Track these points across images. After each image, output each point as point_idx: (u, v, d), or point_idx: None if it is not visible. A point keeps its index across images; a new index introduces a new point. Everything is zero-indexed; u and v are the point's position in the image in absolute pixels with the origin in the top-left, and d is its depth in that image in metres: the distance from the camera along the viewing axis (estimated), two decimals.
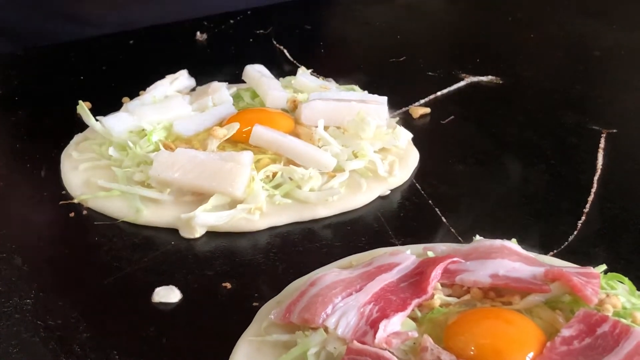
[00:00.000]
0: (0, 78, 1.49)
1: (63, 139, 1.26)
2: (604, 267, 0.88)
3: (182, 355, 0.85)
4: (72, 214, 1.09)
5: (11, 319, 0.90)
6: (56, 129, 1.30)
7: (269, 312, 0.88)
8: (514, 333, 0.78)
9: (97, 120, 1.19)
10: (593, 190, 1.13)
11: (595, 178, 1.16)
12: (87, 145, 1.21)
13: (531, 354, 0.75)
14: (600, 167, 1.19)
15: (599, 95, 1.46)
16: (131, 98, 1.30)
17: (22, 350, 0.85)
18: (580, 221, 1.07)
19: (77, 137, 1.25)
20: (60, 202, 1.11)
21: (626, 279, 0.86)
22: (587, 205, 1.10)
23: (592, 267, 0.86)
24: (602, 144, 1.25)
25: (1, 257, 1.00)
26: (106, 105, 1.35)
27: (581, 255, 0.99)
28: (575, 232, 1.04)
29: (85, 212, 1.09)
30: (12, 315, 0.90)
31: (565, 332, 0.77)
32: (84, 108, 1.20)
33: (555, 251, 1.00)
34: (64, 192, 1.14)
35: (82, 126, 1.28)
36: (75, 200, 1.11)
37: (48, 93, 1.44)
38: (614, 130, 1.28)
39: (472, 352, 0.76)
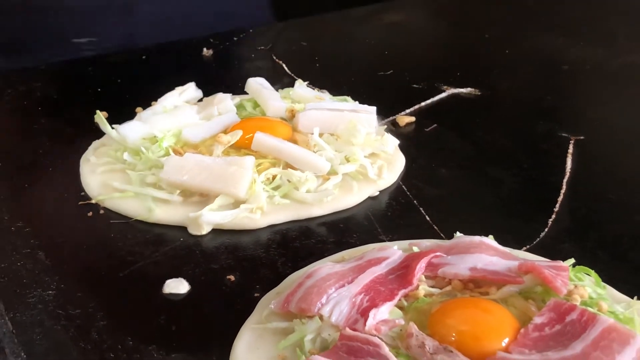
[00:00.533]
0: (24, 90, 1.48)
1: (82, 145, 1.27)
2: (572, 260, 0.89)
3: (190, 341, 0.85)
4: (90, 213, 1.09)
5: (35, 309, 0.90)
6: (75, 136, 1.30)
7: (269, 302, 0.88)
8: (491, 320, 0.78)
9: (113, 128, 1.19)
10: (562, 191, 1.13)
11: (565, 180, 1.16)
12: (104, 151, 1.20)
13: (506, 340, 0.76)
14: (569, 170, 1.19)
15: (567, 105, 1.46)
16: (144, 108, 1.30)
17: (45, 337, 0.85)
18: (551, 219, 1.07)
19: (95, 144, 1.25)
20: (80, 203, 1.11)
21: (592, 272, 0.86)
22: (557, 205, 1.10)
23: (561, 261, 0.86)
24: (570, 150, 1.25)
25: (26, 252, 1.00)
26: (121, 115, 1.36)
27: (551, 250, 0.99)
28: (546, 229, 1.04)
29: (102, 211, 1.09)
30: (36, 306, 0.90)
31: (537, 320, 0.77)
32: (101, 117, 1.20)
33: (528, 246, 1.00)
34: (82, 193, 1.13)
35: (99, 134, 1.28)
36: (93, 201, 1.11)
37: (68, 104, 1.44)
38: (582, 137, 1.28)
39: (453, 338, 0.76)
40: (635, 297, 0.86)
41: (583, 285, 0.83)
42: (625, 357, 0.71)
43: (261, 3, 2.03)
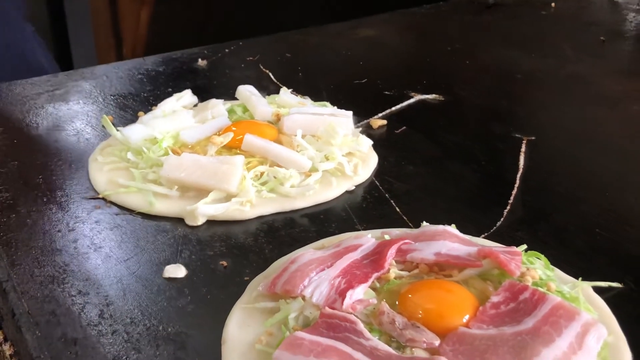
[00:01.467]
0: (44, 98, 1.47)
1: (90, 146, 1.26)
2: (524, 246, 0.89)
3: (187, 319, 0.85)
4: (98, 207, 1.08)
5: (47, 289, 0.89)
6: (84, 138, 1.30)
7: (257, 284, 0.88)
8: (453, 299, 0.79)
9: (117, 130, 1.18)
10: (516, 185, 1.14)
11: (518, 176, 1.17)
12: (110, 151, 1.20)
13: (467, 316, 0.76)
14: (522, 167, 1.20)
15: (520, 110, 1.47)
16: (145, 112, 1.29)
17: (56, 316, 0.85)
18: (506, 210, 1.07)
19: (102, 144, 1.25)
20: (88, 197, 1.11)
21: (542, 256, 0.87)
22: (512, 198, 1.10)
23: (515, 247, 0.87)
24: (523, 149, 1.25)
25: (39, 239, 1.00)
26: (125, 118, 1.35)
27: (506, 237, 0.99)
28: (502, 219, 1.05)
29: (108, 205, 1.09)
30: (47, 286, 0.90)
31: (494, 299, 0.78)
32: (107, 121, 1.19)
33: (486, 234, 1.00)
34: (90, 189, 1.13)
35: (105, 135, 1.27)
36: (100, 196, 1.10)
37: (77, 109, 1.43)
38: (533, 138, 1.29)
39: (420, 315, 0.76)
40: (580, 278, 0.87)
41: (534, 268, 0.83)
42: (571, 331, 0.72)
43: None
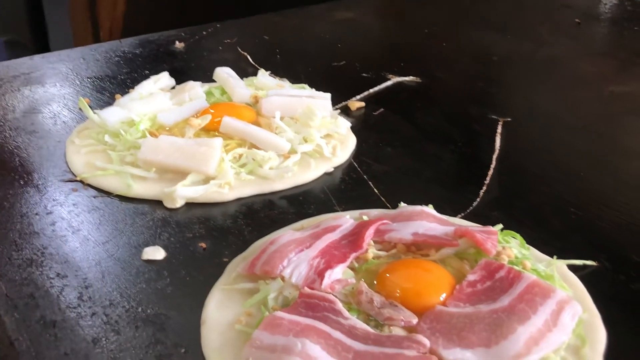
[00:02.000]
0: (20, 81, 1.45)
1: (66, 129, 1.25)
2: (500, 226, 0.90)
3: (166, 301, 0.84)
4: (75, 190, 1.07)
5: (25, 272, 0.89)
6: (60, 121, 1.28)
7: (236, 265, 0.88)
8: (430, 278, 0.79)
9: (94, 113, 1.17)
10: (492, 166, 1.14)
11: (494, 157, 1.17)
12: (87, 134, 1.19)
13: (444, 295, 0.77)
14: (498, 148, 1.20)
15: (496, 91, 1.47)
16: (122, 95, 1.28)
17: (36, 298, 0.84)
18: (482, 190, 1.08)
19: (79, 127, 1.23)
20: (66, 180, 1.10)
21: (518, 235, 0.88)
22: (488, 178, 1.11)
23: (491, 226, 0.88)
24: (499, 130, 1.26)
25: (17, 221, 0.99)
26: (102, 101, 1.34)
27: (483, 217, 1.00)
28: (478, 199, 1.05)
29: (85, 188, 1.08)
30: (26, 269, 0.89)
31: (471, 277, 0.79)
32: (83, 103, 1.18)
33: (462, 214, 1.01)
34: (68, 172, 1.12)
35: (82, 118, 1.26)
36: (78, 178, 1.09)
37: (53, 92, 1.41)
38: (509, 119, 1.30)
39: (398, 294, 0.77)
40: (555, 257, 0.87)
41: (510, 247, 0.84)
42: (546, 308, 0.73)
43: None
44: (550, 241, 0.93)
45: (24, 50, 2.33)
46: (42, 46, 2.45)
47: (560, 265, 0.86)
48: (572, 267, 0.88)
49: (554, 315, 0.72)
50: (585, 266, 0.89)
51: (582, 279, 0.85)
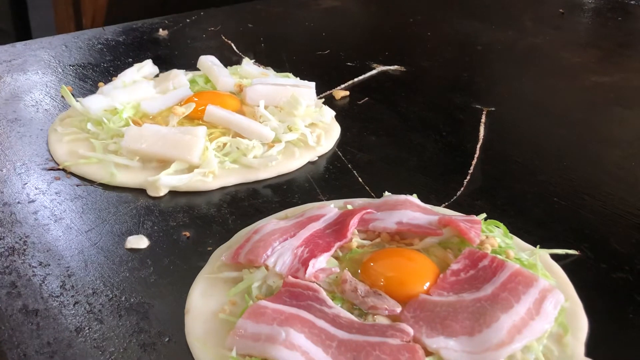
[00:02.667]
0: (1, 69, 1.44)
1: (49, 116, 1.24)
2: (484, 215, 0.90)
3: (150, 290, 0.84)
4: (57, 178, 1.06)
5: (7, 261, 0.88)
6: (42, 109, 1.27)
7: (220, 254, 0.88)
8: (414, 267, 0.79)
9: (77, 101, 1.16)
10: (476, 155, 1.15)
11: (478, 146, 1.18)
12: (69, 122, 1.18)
13: (427, 284, 0.77)
14: (482, 137, 1.20)
15: (481, 81, 1.48)
16: (105, 83, 1.27)
17: (18, 287, 0.83)
18: (466, 180, 1.08)
19: (61, 115, 1.22)
20: (48, 168, 1.09)
21: (501, 224, 0.88)
22: (471, 168, 1.11)
23: (475, 216, 0.88)
24: (483, 119, 1.26)
25: None
26: (84, 89, 1.33)
27: (466, 206, 1.00)
28: (462, 189, 1.05)
29: (68, 176, 1.07)
30: (7, 258, 0.88)
31: (454, 266, 0.79)
32: (66, 91, 1.17)
33: (446, 203, 1.01)
34: (50, 160, 1.11)
35: (65, 106, 1.25)
36: (60, 167, 1.08)
37: (35, 80, 1.40)
38: (493, 109, 1.30)
39: (381, 283, 0.77)
40: (538, 246, 0.88)
41: (493, 236, 0.84)
42: (529, 297, 0.73)
43: None
44: (533, 230, 0.94)
45: (6, 37, 2.30)
46: (24, 33, 2.42)
47: (543, 254, 0.87)
48: (554, 256, 0.88)
49: (536, 303, 0.73)
50: (567, 255, 0.89)
51: (565, 267, 0.86)
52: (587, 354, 0.73)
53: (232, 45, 1.57)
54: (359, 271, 0.80)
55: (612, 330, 0.78)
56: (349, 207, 0.92)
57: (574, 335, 0.75)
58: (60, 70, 1.45)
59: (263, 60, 1.44)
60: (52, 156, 1.12)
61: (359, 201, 0.96)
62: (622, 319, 0.80)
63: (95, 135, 1.12)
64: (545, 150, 1.18)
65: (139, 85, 1.22)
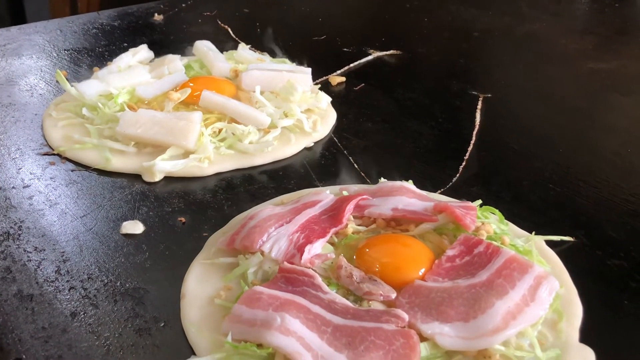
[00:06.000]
0: None
1: (43, 101, 1.23)
2: (479, 201, 0.90)
3: (145, 275, 0.84)
4: (52, 163, 1.06)
5: (2, 246, 0.88)
6: (37, 93, 1.27)
7: (216, 240, 0.88)
8: (409, 253, 0.79)
9: (72, 85, 1.15)
10: (472, 142, 1.15)
11: (474, 132, 1.17)
12: (64, 107, 1.17)
13: (423, 270, 0.77)
14: (478, 124, 1.20)
15: (477, 67, 1.47)
16: (100, 68, 1.27)
17: (12, 272, 0.83)
18: (462, 166, 1.08)
19: (56, 100, 1.22)
20: (43, 153, 1.08)
21: (497, 211, 0.88)
22: (467, 154, 1.11)
23: (470, 202, 0.88)
24: (479, 106, 1.26)
25: None
26: (79, 74, 1.33)
27: (462, 192, 1.00)
28: (457, 175, 1.05)
29: (63, 161, 1.06)
30: (2, 243, 0.88)
31: (450, 252, 0.79)
32: (61, 76, 1.16)
33: (442, 190, 1.01)
34: (45, 145, 1.10)
35: (59, 91, 1.24)
36: (55, 152, 1.08)
37: (30, 64, 1.39)
38: (489, 95, 1.30)
39: (377, 269, 0.77)
40: (533, 232, 0.88)
41: (489, 223, 0.85)
42: (524, 283, 0.73)
43: None
44: (528, 217, 0.94)
45: (0, 21, 2.28)
46: (19, 17, 2.41)
47: (538, 241, 0.87)
48: (550, 243, 0.88)
49: (531, 290, 0.73)
50: (563, 242, 0.89)
51: (560, 254, 0.86)
52: (582, 340, 0.74)
53: (229, 30, 1.57)
54: (355, 257, 0.80)
55: (606, 317, 0.78)
56: (345, 193, 0.92)
57: (569, 321, 0.75)
58: (55, 54, 1.44)
59: (259, 45, 1.43)
60: (46, 141, 1.11)
61: (355, 187, 0.96)
62: (617, 306, 0.80)
63: (90, 120, 1.11)
64: (541, 136, 1.18)
65: (134, 70, 1.21)
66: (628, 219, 0.95)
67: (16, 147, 1.10)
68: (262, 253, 0.80)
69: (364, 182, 1.03)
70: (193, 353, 0.73)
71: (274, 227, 0.83)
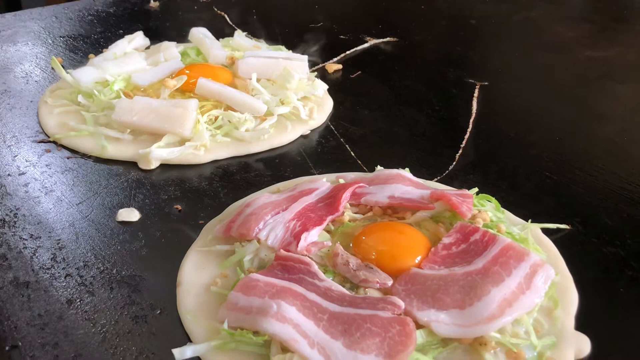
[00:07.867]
0: None
1: (39, 88, 1.22)
2: (476, 189, 0.90)
3: (141, 263, 0.84)
4: (48, 151, 1.05)
5: None
6: (33, 80, 1.26)
7: (212, 228, 0.87)
8: (406, 241, 0.79)
9: (67, 72, 1.14)
10: (469, 130, 1.14)
11: (471, 120, 1.17)
12: (60, 94, 1.17)
13: (419, 257, 0.77)
14: (475, 112, 1.20)
15: (474, 55, 1.47)
16: (95, 55, 1.26)
17: (8, 259, 0.83)
18: (458, 154, 1.08)
19: (51, 87, 1.21)
20: (38, 141, 1.08)
21: (493, 199, 0.88)
22: (464, 142, 1.11)
23: (466, 190, 0.88)
24: (476, 94, 1.26)
25: None
26: (75, 61, 1.32)
27: (458, 180, 1.00)
28: (454, 163, 1.05)
29: (59, 148, 1.06)
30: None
31: (446, 240, 0.79)
32: (56, 62, 1.16)
33: (438, 177, 1.01)
34: (40, 132, 1.10)
35: (55, 78, 1.24)
36: (51, 139, 1.07)
37: (25, 51, 1.39)
38: (486, 83, 1.30)
39: (373, 256, 0.77)
40: (529, 220, 0.88)
41: (485, 210, 0.85)
42: (520, 271, 0.73)
43: None
44: (525, 205, 0.94)
45: None
46: (14, 4, 2.39)
47: (534, 229, 0.87)
48: (546, 231, 0.88)
49: (527, 277, 0.73)
50: (559, 229, 0.89)
51: (556, 242, 0.86)
52: (577, 328, 0.74)
53: (226, 16, 1.56)
54: (351, 245, 0.80)
55: (602, 305, 0.78)
56: (341, 181, 0.92)
57: (564, 309, 0.75)
58: (51, 41, 1.43)
59: (255, 32, 1.42)
60: (42, 128, 1.11)
61: (351, 175, 0.96)
62: (613, 293, 0.80)
63: (86, 107, 1.11)
64: (537, 124, 1.18)
65: (129, 57, 1.20)
66: (624, 207, 0.95)
67: (12, 134, 1.10)
68: (259, 241, 0.80)
69: (360, 169, 1.02)
70: (189, 340, 0.73)
71: (271, 214, 0.83)
